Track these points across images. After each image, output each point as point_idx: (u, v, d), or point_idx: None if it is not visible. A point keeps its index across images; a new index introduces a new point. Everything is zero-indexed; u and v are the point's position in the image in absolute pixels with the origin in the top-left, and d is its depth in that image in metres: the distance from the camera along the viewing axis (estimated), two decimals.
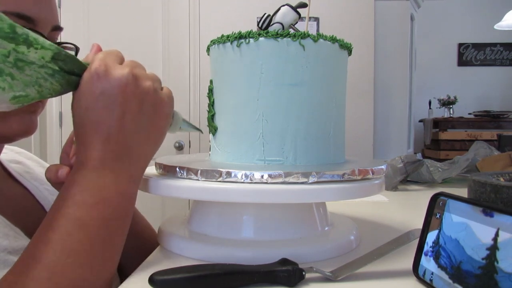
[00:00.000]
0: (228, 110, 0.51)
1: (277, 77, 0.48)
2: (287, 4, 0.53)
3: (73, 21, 2.17)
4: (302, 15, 0.54)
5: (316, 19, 2.11)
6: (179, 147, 2.16)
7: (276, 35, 0.47)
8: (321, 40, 0.48)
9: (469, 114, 3.34)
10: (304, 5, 0.54)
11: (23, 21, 0.41)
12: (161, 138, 0.43)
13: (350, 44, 0.53)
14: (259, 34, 0.48)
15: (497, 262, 0.31)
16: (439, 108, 3.39)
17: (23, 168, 0.57)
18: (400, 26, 2.25)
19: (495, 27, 3.08)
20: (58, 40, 0.48)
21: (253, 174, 0.42)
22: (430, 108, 3.46)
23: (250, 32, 0.48)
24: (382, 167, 0.50)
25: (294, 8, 0.52)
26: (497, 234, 0.32)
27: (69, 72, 0.38)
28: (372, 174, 0.47)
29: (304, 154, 0.49)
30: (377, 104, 2.22)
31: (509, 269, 0.30)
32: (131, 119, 0.39)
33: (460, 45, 3.76)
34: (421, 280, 0.39)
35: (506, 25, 2.96)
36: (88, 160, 0.38)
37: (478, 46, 3.74)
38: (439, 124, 3.14)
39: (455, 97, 3.33)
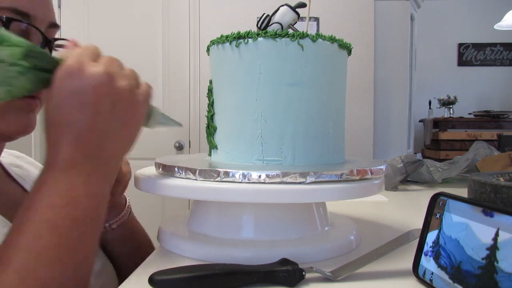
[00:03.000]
0: (227, 110, 0.51)
1: (275, 77, 0.48)
2: (286, 4, 0.53)
3: (73, 21, 2.17)
4: (301, 15, 0.54)
5: (316, 19, 2.11)
6: (179, 147, 2.16)
7: (275, 35, 0.47)
8: (320, 40, 0.48)
9: (469, 114, 3.34)
10: (303, 5, 0.54)
11: (19, 16, 0.41)
12: (132, 139, 0.42)
13: (349, 44, 0.53)
14: (258, 34, 0.48)
15: (497, 262, 0.31)
16: (439, 108, 3.39)
17: (23, 172, 0.57)
18: (400, 26, 2.25)
19: (495, 27, 3.08)
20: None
21: (250, 174, 0.42)
22: (430, 108, 3.46)
23: (248, 32, 0.48)
24: (381, 167, 0.50)
25: (293, 8, 0.52)
26: (497, 234, 0.32)
27: (42, 69, 0.36)
28: (371, 174, 0.47)
29: (303, 154, 0.49)
30: (377, 104, 2.21)
31: (509, 269, 0.30)
32: (103, 119, 0.37)
33: (460, 45, 3.76)
34: (421, 280, 0.38)
35: (506, 25, 2.96)
36: (57, 160, 0.36)
37: (478, 46, 3.74)
38: (439, 124, 3.14)
39: (455, 97, 3.33)
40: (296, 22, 0.54)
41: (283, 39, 0.47)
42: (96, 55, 0.39)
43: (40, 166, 0.63)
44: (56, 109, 0.37)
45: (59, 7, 2.17)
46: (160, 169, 0.49)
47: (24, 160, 0.61)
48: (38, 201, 0.35)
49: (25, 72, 0.35)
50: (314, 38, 0.48)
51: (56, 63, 0.37)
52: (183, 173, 0.45)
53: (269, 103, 0.48)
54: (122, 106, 0.38)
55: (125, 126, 0.40)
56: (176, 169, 0.46)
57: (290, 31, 0.49)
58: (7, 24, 0.41)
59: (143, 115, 0.42)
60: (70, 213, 0.36)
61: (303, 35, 0.47)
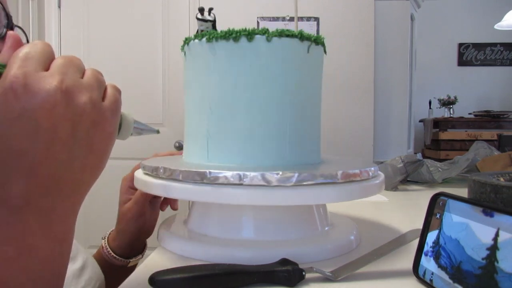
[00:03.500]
0: (188, 111, 0.54)
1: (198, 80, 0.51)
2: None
3: (73, 21, 2.17)
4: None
5: (316, 19, 2.11)
6: (179, 147, 2.16)
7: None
8: (196, 41, 0.50)
9: (469, 114, 3.34)
10: (201, 9, 0.57)
11: None
12: (101, 162, 0.34)
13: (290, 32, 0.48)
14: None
15: (497, 262, 0.31)
16: (439, 108, 3.39)
17: None
18: (400, 26, 2.25)
19: (495, 27, 3.08)
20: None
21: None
22: (430, 108, 3.46)
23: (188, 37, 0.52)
24: (372, 168, 0.49)
25: (196, 17, 0.56)
26: (497, 234, 0.32)
27: None
28: (359, 176, 0.46)
29: (259, 154, 0.48)
30: (377, 104, 2.21)
31: (509, 269, 0.30)
32: (62, 147, 0.30)
33: (460, 45, 3.76)
34: (421, 280, 0.38)
35: (506, 25, 2.96)
36: (8, 198, 0.29)
37: (478, 46, 3.74)
38: (439, 124, 3.14)
39: (455, 97, 3.33)
40: (208, 27, 0.57)
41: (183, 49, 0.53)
42: (46, 58, 0.30)
43: None
44: (0, 137, 0.29)
45: (59, 7, 2.17)
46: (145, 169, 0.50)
47: None
48: None
49: None
50: (187, 41, 0.51)
51: None
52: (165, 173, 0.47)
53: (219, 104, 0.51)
54: (85, 127, 0.31)
55: (91, 150, 0.32)
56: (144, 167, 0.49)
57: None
58: None
59: (111, 134, 0.34)
60: (24, 266, 0.29)
61: (187, 40, 0.51)
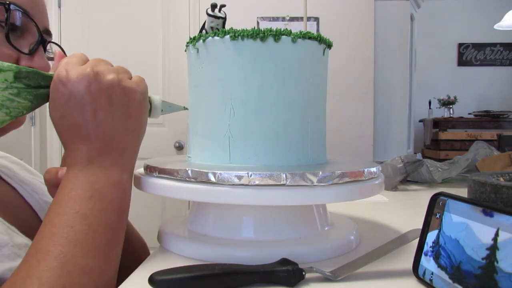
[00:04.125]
0: (201, 110, 0.53)
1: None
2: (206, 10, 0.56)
3: (73, 22, 2.17)
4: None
5: (316, 19, 2.11)
6: (179, 147, 2.16)
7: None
8: (210, 38, 0.49)
9: (469, 114, 3.34)
10: (213, 5, 0.56)
11: (21, 12, 0.44)
12: (140, 126, 0.44)
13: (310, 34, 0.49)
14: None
15: (497, 262, 0.31)
16: (439, 108, 3.40)
17: (9, 172, 0.56)
18: (400, 26, 2.25)
19: (495, 27, 3.08)
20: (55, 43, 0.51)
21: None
22: (430, 108, 3.46)
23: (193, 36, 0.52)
24: (373, 169, 0.49)
25: (207, 13, 0.55)
26: (497, 234, 0.32)
27: (36, 86, 0.39)
28: (358, 176, 0.46)
29: (267, 154, 0.48)
30: (377, 104, 2.22)
31: (509, 269, 0.30)
32: (104, 114, 0.40)
33: (460, 45, 3.76)
34: (421, 280, 0.39)
35: (506, 25, 2.96)
36: (77, 159, 0.40)
37: (478, 46, 3.74)
38: (439, 124, 3.14)
39: (455, 97, 3.33)
40: (219, 24, 0.55)
41: (190, 45, 0.52)
42: (82, 60, 0.41)
43: (24, 165, 0.61)
44: (61, 119, 0.40)
45: (59, 7, 2.17)
46: (147, 170, 0.49)
47: (8, 159, 0.60)
48: (66, 195, 0.39)
49: (20, 93, 0.38)
50: (204, 38, 0.49)
51: (48, 77, 0.40)
52: (158, 173, 0.47)
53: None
54: (118, 97, 0.40)
55: (128, 115, 0.42)
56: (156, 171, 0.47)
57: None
58: (8, 10, 0.42)
59: (142, 102, 0.43)
60: (96, 204, 0.39)
61: (193, 39, 0.51)
